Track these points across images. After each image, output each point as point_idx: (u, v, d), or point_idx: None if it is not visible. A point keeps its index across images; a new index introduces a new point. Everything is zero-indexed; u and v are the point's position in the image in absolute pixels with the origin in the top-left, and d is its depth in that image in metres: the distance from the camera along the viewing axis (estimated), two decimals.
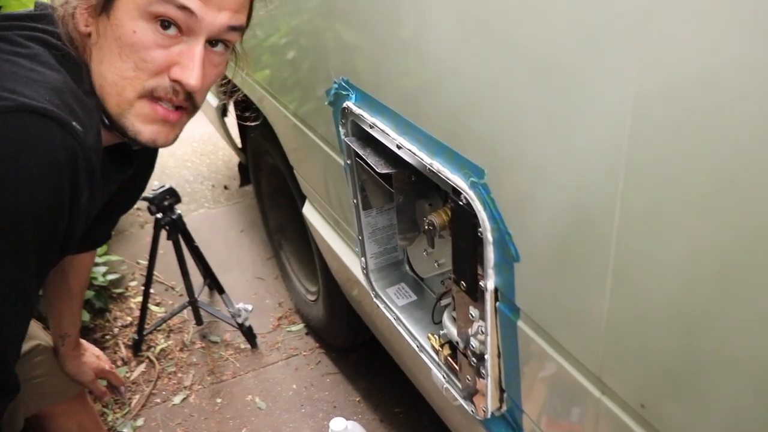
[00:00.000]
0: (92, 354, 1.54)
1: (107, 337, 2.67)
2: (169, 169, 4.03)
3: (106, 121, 0.91)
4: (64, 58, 0.87)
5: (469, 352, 1.10)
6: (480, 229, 0.94)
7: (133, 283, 2.99)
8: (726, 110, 0.55)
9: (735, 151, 0.56)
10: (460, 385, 1.19)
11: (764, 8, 0.50)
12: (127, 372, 2.49)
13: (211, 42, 0.91)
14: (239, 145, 2.93)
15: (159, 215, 2.36)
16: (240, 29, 0.93)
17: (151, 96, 0.89)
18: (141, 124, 0.90)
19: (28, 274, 0.83)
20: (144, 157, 1.11)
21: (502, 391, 1.09)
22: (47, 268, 0.89)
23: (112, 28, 0.85)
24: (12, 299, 0.82)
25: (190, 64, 0.87)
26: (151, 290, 2.62)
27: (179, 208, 2.41)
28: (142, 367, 2.51)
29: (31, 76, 0.80)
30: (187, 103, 0.92)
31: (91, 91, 0.89)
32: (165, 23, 0.85)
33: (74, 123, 0.79)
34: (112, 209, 1.03)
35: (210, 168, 4.06)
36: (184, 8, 0.84)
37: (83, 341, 1.52)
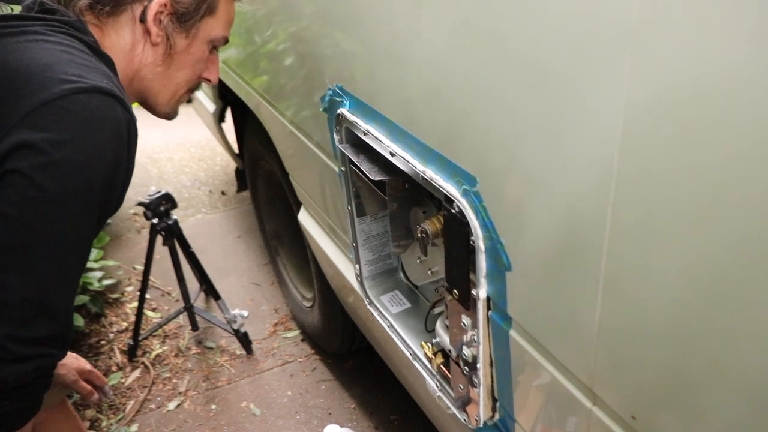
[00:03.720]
0: (70, 355, 1.53)
1: (102, 342, 2.66)
2: (167, 174, 4.03)
3: None
4: (93, 49, 1.01)
5: (461, 361, 1.10)
6: (472, 238, 0.94)
7: (129, 289, 2.99)
8: (717, 120, 0.55)
9: (726, 161, 0.55)
10: (452, 394, 1.18)
11: (757, 18, 0.50)
12: (122, 377, 2.48)
13: None
14: (236, 150, 2.93)
15: (155, 220, 2.36)
16: None
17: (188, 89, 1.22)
18: (178, 107, 1.25)
19: (92, 235, 0.97)
20: None
21: (494, 400, 1.09)
22: (102, 227, 1.03)
23: (189, 46, 1.14)
24: (81, 252, 0.96)
25: (215, 68, 1.24)
26: (147, 295, 2.61)
27: (176, 214, 2.41)
28: (137, 373, 2.50)
29: (85, 64, 0.95)
30: None
31: (115, 75, 1.05)
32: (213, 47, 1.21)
33: (126, 101, 0.96)
34: None
35: (207, 173, 4.06)
36: (226, 39, 1.21)
37: None
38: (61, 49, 0.95)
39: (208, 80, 1.23)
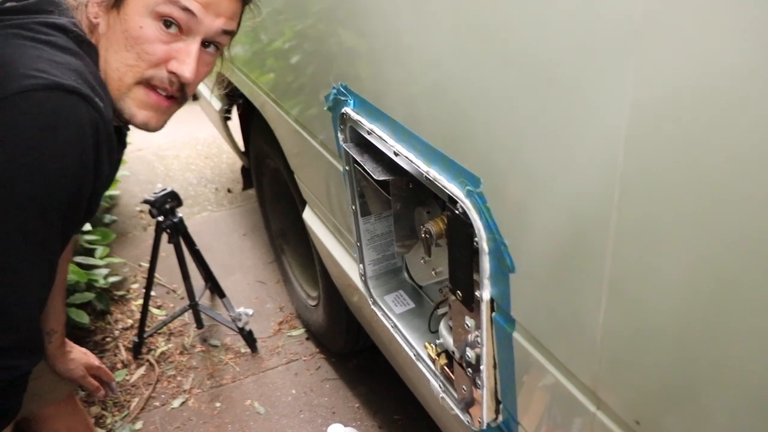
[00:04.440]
0: (79, 351, 1.54)
1: (108, 339, 2.66)
2: (173, 171, 4.04)
3: None
4: (81, 42, 0.96)
5: (464, 362, 1.09)
6: (476, 239, 0.93)
7: (134, 286, 2.99)
8: (722, 120, 0.54)
9: (732, 162, 0.55)
10: (456, 395, 1.18)
11: (761, 16, 0.49)
12: (126, 375, 2.48)
13: (205, 43, 1.03)
14: (242, 148, 2.93)
15: (160, 218, 2.36)
16: (231, 34, 1.06)
17: (148, 84, 1.00)
18: (136, 108, 1.01)
19: (55, 240, 0.91)
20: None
21: (498, 402, 1.08)
22: (69, 236, 0.97)
23: (121, 22, 0.96)
24: (41, 265, 0.91)
25: (187, 59, 0.99)
26: (152, 293, 2.61)
27: (181, 211, 2.41)
28: (141, 370, 2.51)
29: (54, 59, 0.89)
30: (179, 94, 1.03)
31: (96, 68, 0.98)
32: (168, 22, 0.97)
33: (96, 99, 0.89)
34: None
35: (214, 171, 4.06)
36: (186, 10, 0.96)
37: (67, 339, 1.51)
38: (31, 45, 0.90)
39: (175, 74, 0.99)
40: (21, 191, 0.83)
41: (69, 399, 1.55)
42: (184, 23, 0.97)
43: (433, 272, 1.33)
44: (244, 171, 3.15)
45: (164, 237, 2.41)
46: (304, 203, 2.03)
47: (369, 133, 1.20)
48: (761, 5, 0.49)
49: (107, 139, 0.91)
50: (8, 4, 0.97)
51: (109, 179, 1.27)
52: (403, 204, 1.26)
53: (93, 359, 1.56)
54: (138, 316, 2.67)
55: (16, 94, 0.81)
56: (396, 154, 1.12)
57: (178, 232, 2.40)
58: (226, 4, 1.01)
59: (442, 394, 1.23)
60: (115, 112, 1.01)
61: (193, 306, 2.53)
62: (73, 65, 0.90)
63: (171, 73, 0.99)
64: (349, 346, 2.34)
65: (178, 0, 0.95)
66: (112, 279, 2.87)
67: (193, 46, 0.99)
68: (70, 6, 0.99)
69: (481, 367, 1.04)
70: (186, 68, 0.99)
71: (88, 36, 0.99)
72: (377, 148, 1.20)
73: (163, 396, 2.40)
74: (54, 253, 0.92)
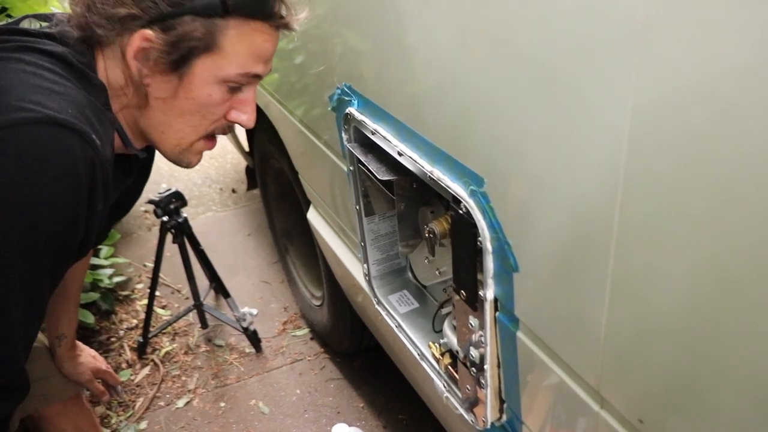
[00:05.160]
0: (88, 354, 1.55)
1: (112, 339, 2.67)
2: (178, 171, 4.04)
3: (126, 136, 0.99)
4: (81, 74, 0.90)
5: (468, 362, 1.09)
6: (479, 239, 0.93)
7: (139, 286, 3.00)
8: (724, 120, 0.54)
9: (735, 162, 0.55)
10: (460, 395, 1.18)
11: (762, 16, 0.49)
12: (131, 375, 2.49)
13: None
14: (246, 148, 2.94)
15: (165, 218, 2.36)
16: None
17: (208, 136, 1.02)
18: (194, 156, 1.04)
19: (43, 280, 0.86)
20: (141, 164, 1.12)
21: (502, 401, 1.08)
22: (61, 274, 0.92)
23: (185, 90, 0.94)
24: (26, 305, 0.86)
25: (248, 109, 1.01)
26: (157, 293, 2.61)
27: (186, 211, 2.42)
28: (146, 370, 2.51)
29: (54, 89, 0.84)
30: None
31: (106, 106, 0.93)
32: (235, 86, 0.97)
33: (93, 136, 0.83)
34: (112, 213, 1.07)
35: (218, 171, 4.07)
36: (256, 76, 0.97)
37: (78, 342, 1.53)
38: (32, 71, 0.85)
39: (238, 123, 1.02)
40: (4, 231, 0.78)
41: (76, 398, 1.57)
42: (248, 81, 0.98)
43: (437, 272, 1.33)
44: (249, 171, 3.15)
45: (169, 237, 2.42)
46: (308, 203, 2.03)
47: (373, 133, 1.21)
48: (762, 5, 0.49)
49: (103, 177, 0.85)
50: (21, 26, 0.93)
51: (122, 212, 1.25)
52: (407, 204, 1.26)
53: (101, 364, 1.58)
54: (143, 316, 2.67)
55: (4, 127, 0.76)
56: (400, 154, 1.12)
57: (183, 232, 2.41)
58: (275, 47, 1.00)
59: (447, 394, 1.23)
60: (172, 161, 1.03)
61: (198, 306, 2.53)
62: (72, 96, 0.85)
63: (230, 121, 1.01)
64: (353, 346, 2.34)
65: (249, 71, 0.96)
66: (116, 279, 2.88)
67: (251, 94, 1.01)
68: (82, 42, 0.93)
69: (485, 367, 1.04)
70: (247, 117, 1.01)
71: (98, 72, 0.93)
72: (381, 148, 1.20)
73: (167, 396, 2.40)
74: (41, 293, 0.88)
